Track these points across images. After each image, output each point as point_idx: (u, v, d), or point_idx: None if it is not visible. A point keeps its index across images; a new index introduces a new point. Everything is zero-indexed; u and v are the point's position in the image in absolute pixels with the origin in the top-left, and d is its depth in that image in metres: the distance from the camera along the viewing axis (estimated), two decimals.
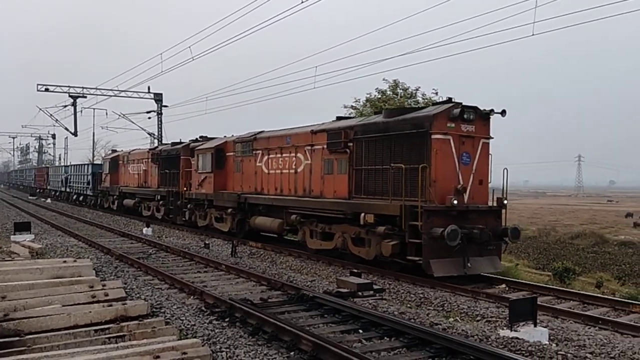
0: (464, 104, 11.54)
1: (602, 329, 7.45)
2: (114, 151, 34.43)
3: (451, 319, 7.48)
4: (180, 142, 23.04)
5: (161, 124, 35.97)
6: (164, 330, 5.86)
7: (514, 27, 13.62)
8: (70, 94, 35.13)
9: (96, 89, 34.25)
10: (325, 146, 13.48)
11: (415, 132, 11.16)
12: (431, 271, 9.88)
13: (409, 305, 8.87)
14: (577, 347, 6.24)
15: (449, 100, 11.38)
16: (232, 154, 18.11)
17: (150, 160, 25.43)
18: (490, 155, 11.50)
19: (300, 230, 13.99)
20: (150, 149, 25.58)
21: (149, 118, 37.05)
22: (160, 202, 23.25)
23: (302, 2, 14.70)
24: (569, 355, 5.56)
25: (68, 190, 41.48)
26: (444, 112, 11.12)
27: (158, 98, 35.54)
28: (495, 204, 11.69)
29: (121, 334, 5.74)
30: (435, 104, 11.18)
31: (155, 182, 24.73)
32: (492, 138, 11.59)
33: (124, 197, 28.51)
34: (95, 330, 5.88)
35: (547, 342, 6.16)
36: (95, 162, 38.43)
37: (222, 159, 18.59)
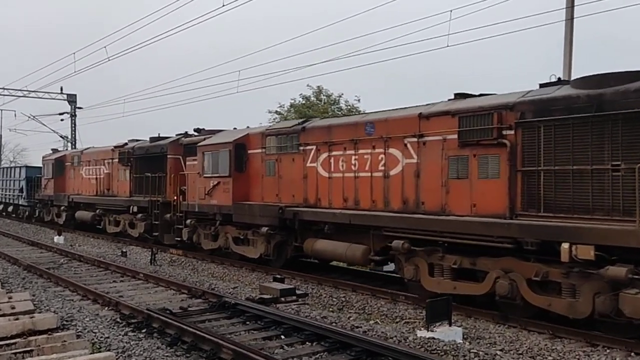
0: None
1: (511, 326, 9.35)
2: (55, 150, 30.97)
3: (372, 322, 8.57)
4: (161, 137, 20.38)
5: (75, 127, 34.20)
6: (75, 344, 5.74)
7: (431, 38, 14.06)
8: None
9: (3, 89, 32.25)
10: (451, 136, 10.19)
11: None
12: None
13: (331, 309, 11.07)
14: (488, 345, 7.08)
15: None
16: (259, 151, 14.79)
17: (116, 160, 22.15)
18: None
19: (406, 263, 10.81)
20: (116, 146, 22.81)
21: (62, 120, 35.32)
22: (139, 216, 20.00)
23: (224, 5, 14.53)
24: (480, 353, 6.32)
25: None
26: None
27: (72, 99, 34.16)
28: None
29: (29, 348, 5.62)
30: None
31: (125, 189, 21.57)
32: None
33: (76, 209, 25.46)
34: (0, 346, 5.52)
35: (461, 341, 7.35)
36: (30, 165, 35.52)
37: (244, 158, 15.08)
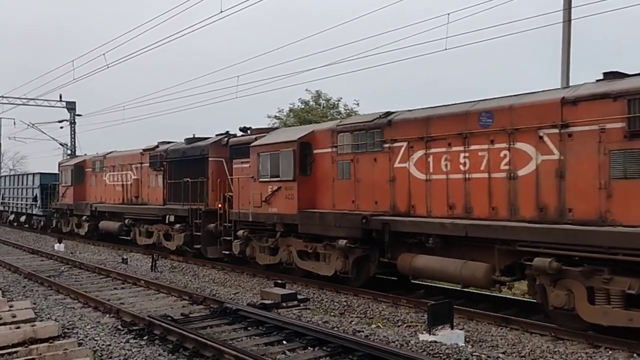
0: None
1: (513, 329, 9.36)
2: (72, 155, 29.96)
3: (373, 326, 8.71)
4: (198, 138, 18.13)
5: (74, 134, 34.22)
6: (77, 352, 5.75)
7: (429, 42, 14.03)
8: None
9: (2, 97, 32.27)
10: (613, 125, 8.21)
11: None
12: None
13: (332, 314, 11.09)
14: (490, 348, 7.11)
15: None
16: (328, 150, 12.73)
17: (147, 165, 20.12)
18: None
19: (552, 286, 8.63)
20: (146, 150, 20.56)
21: (61, 128, 35.45)
22: (177, 226, 17.84)
23: (221, 11, 14.56)
24: (482, 356, 6.42)
25: (0, 208, 36.54)
26: None
27: (71, 107, 34.21)
28: None
29: (30, 357, 5.66)
30: None
31: (158, 197, 19.44)
32: None
33: (99, 218, 23.52)
34: (2, 355, 5.57)
35: (463, 344, 7.28)
36: (44, 172, 31.77)
37: (309, 159, 13.06)
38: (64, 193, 26.06)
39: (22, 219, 32.45)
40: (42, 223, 29.57)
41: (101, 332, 8.61)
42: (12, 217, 33.91)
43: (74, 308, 10.71)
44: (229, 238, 15.48)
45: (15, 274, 15.08)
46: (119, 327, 9.02)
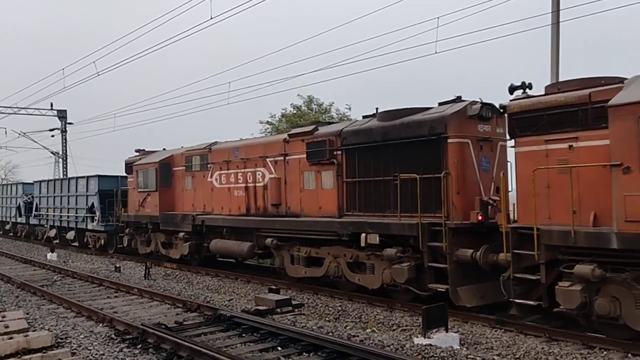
0: None
1: (508, 330, 9.37)
2: (142, 152, 20.94)
3: (368, 330, 9.18)
4: (405, 110, 11.41)
5: (66, 142, 34.14)
6: None
7: (419, 45, 14.09)
8: None
9: None
10: None
11: None
12: None
13: (327, 319, 11.05)
14: (485, 350, 7.18)
15: None
16: None
17: (297, 157, 13.80)
18: None
19: None
20: (294, 134, 14.18)
21: (53, 136, 35.23)
22: (390, 252, 10.92)
23: (211, 17, 14.57)
24: (477, 358, 6.81)
25: (33, 221, 29.43)
26: None
27: (62, 115, 33.99)
28: None
29: None
30: None
31: (325, 204, 12.96)
32: None
33: (205, 236, 16.94)
34: None
35: (458, 347, 7.43)
36: (103, 174, 24.16)
37: None
38: (143, 201, 19.20)
39: (70, 235, 25.19)
40: (102, 241, 22.85)
41: (94, 342, 8.57)
42: (52, 233, 26.85)
43: (67, 317, 10.65)
44: (531, 277, 8.70)
45: (7, 283, 15.04)
46: (113, 336, 8.98)
